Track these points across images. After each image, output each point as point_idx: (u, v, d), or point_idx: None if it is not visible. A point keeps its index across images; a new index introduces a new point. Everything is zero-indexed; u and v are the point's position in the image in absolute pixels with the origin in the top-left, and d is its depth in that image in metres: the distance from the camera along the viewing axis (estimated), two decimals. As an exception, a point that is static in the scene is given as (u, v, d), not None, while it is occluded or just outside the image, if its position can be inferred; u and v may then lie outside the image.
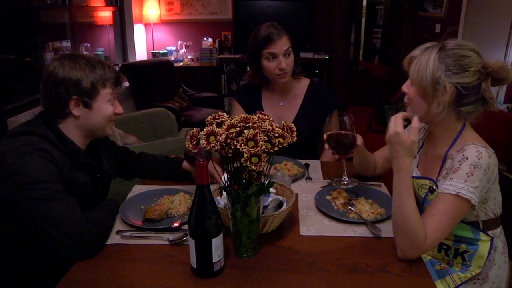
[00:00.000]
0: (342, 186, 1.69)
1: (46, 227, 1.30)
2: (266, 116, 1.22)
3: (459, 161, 1.36)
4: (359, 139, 1.62)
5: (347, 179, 1.69)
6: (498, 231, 1.52)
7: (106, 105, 1.52)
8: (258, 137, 1.11)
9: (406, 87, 1.49)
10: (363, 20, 6.31)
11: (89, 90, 1.46)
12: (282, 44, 2.10)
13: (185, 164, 1.83)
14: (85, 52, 4.68)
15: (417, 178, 1.59)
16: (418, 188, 1.59)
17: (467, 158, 1.35)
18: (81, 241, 1.30)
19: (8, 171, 1.33)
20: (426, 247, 1.29)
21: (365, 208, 1.57)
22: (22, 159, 1.33)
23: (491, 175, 1.36)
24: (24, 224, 1.37)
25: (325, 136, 1.57)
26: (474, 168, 1.32)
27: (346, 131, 1.57)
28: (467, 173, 1.32)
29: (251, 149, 1.10)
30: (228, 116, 1.21)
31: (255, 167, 1.10)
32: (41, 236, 1.33)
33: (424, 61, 1.38)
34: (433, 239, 1.30)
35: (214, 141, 1.11)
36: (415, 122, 1.35)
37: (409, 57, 1.47)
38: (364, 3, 6.15)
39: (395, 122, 1.35)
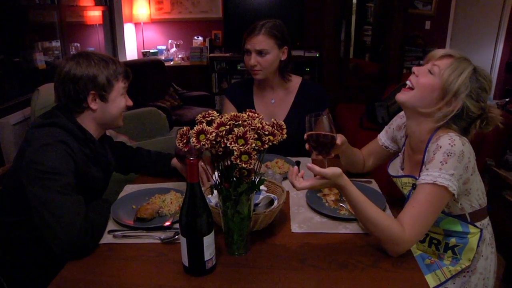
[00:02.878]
0: None
1: (50, 218, 1.32)
2: (256, 114, 1.22)
3: (433, 151, 1.38)
4: (339, 139, 1.62)
5: None
6: (486, 221, 1.54)
7: (120, 98, 1.63)
8: (248, 135, 1.12)
9: (419, 71, 1.48)
10: (353, 17, 6.31)
11: (105, 85, 1.56)
12: (256, 42, 2.10)
13: (173, 161, 1.87)
14: (74, 52, 4.66)
15: (401, 177, 1.60)
16: (402, 187, 1.61)
17: (440, 147, 1.37)
18: (77, 241, 1.31)
19: (29, 159, 1.39)
20: (408, 238, 1.29)
21: (356, 204, 1.58)
22: (43, 149, 1.40)
23: (467, 163, 1.37)
24: (26, 216, 1.42)
25: (305, 136, 1.58)
26: (448, 155, 1.34)
27: (325, 131, 1.59)
28: (441, 161, 1.34)
29: (241, 147, 1.10)
30: (218, 114, 1.21)
31: (245, 165, 1.11)
32: (40, 226, 1.35)
33: (460, 69, 1.39)
34: (415, 230, 1.30)
35: (204, 140, 1.12)
36: (315, 169, 1.31)
37: (446, 52, 1.46)
38: (354, 0, 6.16)
39: (304, 185, 1.33)
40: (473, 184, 1.45)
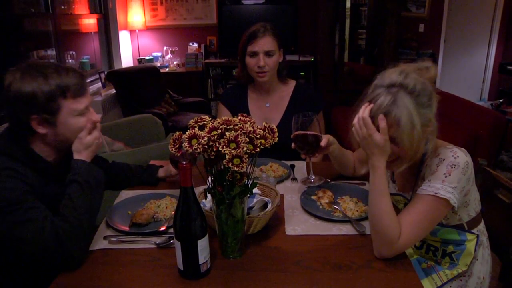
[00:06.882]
0: (309, 184, 1.77)
1: (24, 247, 1.27)
2: (248, 118, 1.23)
3: (436, 164, 1.37)
4: (325, 140, 1.65)
5: (313, 177, 1.79)
6: (482, 226, 1.54)
7: (74, 119, 1.39)
8: (239, 139, 1.13)
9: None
10: (347, 21, 6.34)
11: (45, 105, 1.32)
12: (264, 43, 2.14)
13: (161, 173, 1.88)
14: (70, 61, 4.66)
15: (393, 194, 1.60)
16: (395, 202, 1.60)
17: (443, 160, 1.36)
18: (66, 254, 1.27)
19: None
20: (400, 246, 1.29)
21: (350, 206, 1.60)
22: None
23: (470, 175, 1.37)
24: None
25: (292, 136, 1.63)
26: (452, 167, 1.33)
27: (312, 131, 1.63)
28: (444, 174, 1.33)
29: (233, 151, 1.11)
30: (211, 119, 1.23)
31: (237, 168, 1.12)
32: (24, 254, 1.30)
33: (407, 119, 1.28)
34: (408, 239, 1.30)
35: (197, 144, 1.13)
36: (382, 122, 1.30)
37: (382, 116, 1.30)
38: (348, 4, 6.18)
39: (365, 123, 1.32)
40: (471, 194, 1.45)
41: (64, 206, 1.34)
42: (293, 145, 1.65)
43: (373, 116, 1.32)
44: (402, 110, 1.28)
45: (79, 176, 1.38)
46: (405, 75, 1.34)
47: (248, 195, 1.29)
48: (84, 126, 1.41)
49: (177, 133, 1.22)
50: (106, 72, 5.08)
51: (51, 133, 1.38)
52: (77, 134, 1.40)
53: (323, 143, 1.65)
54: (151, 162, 2.01)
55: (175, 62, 6.14)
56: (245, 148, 1.13)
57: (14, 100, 1.31)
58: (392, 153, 1.35)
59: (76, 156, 1.43)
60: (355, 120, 1.36)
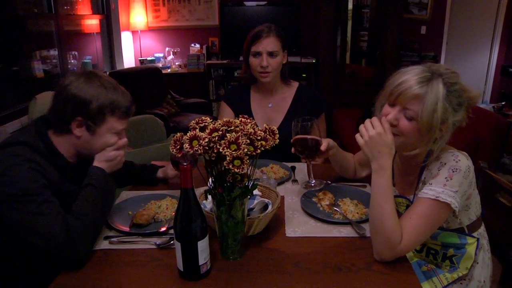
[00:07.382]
0: (309, 189, 1.77)
1: (32, 237, 1.28)
2: (249, 120, 1.24)
3: (437, 168, 1.37)
4: (325, 144, 1.65)
5: (313, 181, 1.78)
6: (482, 229, 1.53)
7: (110, 136, 1.50)
8: (240, 140, 1.13)
9: (395, 119, 1.36)
10: (349, 23, 6.35)
11: (95, 115, 1.43)
12: (268, 43, 2.14)
13: (159, 173, 1.90)
14: (72, 61, 4.67)
15: (395, 197, 1.59)
16: (397, 205, 1.60)
17: (445, 164, 1.35)
18: (66, 251, 1.28)
19: None
20: (401, 249, 1.29)
21: (350, 208, 1.60)
22: (10, 170, 1.31)
23: (472, 179, 1.37)
24: (8, 235, 1.35)
25: (292, 140, 1.63)
26: (453, 172, 1.33)
27: (311, 135, 1.64)
28: (446, 177, 1.32)
29: (234, 152, 1.11)
30: (212, 120, 1.23)
31: (238, 170, 1.12)
32: (29, 245, 1.31)
33: (432, 101, 1.28)
34: (409, 242, 1.30)
35: (197, 145, 1.13)
36: (386, 123, 1.33)
37: (413, 93, 1.31)
38: (350, 6, 6.19)
39: (375, 124, 1.34)
40: (473, 198, 1.44)
41: (78, 206, 1.39)
42: (293, 149, 1.65)
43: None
44: (432, 90, 1.29)
45: (95, 181, 1.46)
46: (453, 72, 1.35)
47: (249, 196, 1.29)
48: (113, 144, 1.51)
49: (178, 134, 1.22)
50: (108, 73, 5.09)
51: (84, 138, 1.47)
52: (102, 149, 1.51)
53: (323, 147, 1.64)
54: (152, 163, 2.01)
55: (177, 63, 6.15)
56: (245, 150, 1.13)
57: (68, 98, 1.41)
58: (396, 130, 1.36)
59: (95, 164, 1.51)
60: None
